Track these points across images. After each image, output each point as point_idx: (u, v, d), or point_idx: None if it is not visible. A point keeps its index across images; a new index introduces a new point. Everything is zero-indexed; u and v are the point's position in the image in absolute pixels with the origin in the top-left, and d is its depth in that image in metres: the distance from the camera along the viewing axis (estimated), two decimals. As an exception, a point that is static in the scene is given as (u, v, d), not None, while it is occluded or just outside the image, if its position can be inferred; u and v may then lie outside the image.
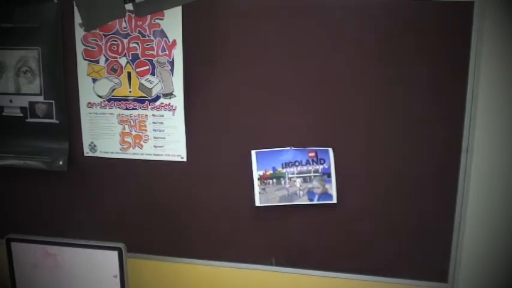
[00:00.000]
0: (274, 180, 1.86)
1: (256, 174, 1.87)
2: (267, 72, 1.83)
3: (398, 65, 1.74)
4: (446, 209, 1.80)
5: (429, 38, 1.70)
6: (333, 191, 1.85)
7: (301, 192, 1.86)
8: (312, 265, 1.94)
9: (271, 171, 1.87)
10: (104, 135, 2.00)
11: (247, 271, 1.98)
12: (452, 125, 1.75)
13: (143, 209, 2.02)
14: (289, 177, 1.86)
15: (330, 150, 1.83)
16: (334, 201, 1.85)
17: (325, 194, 1.86)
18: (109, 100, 1.96)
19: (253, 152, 1.87)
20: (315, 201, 1.86)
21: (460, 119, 1.74)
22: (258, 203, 1.88)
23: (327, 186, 1.85)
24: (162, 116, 1.93)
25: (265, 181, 1.87)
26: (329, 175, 1.84)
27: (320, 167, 1.85)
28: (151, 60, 1.89)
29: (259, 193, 1.88)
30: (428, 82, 1.73)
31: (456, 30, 1.68)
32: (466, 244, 1.77)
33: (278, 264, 1.95)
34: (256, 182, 1.87)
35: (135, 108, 1.94)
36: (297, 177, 1.86)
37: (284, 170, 1.86)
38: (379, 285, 1.90)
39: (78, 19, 1.88)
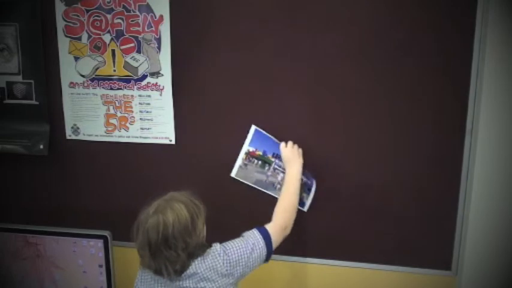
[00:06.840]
0: (260, 162, 1.83)
1: (246, 147, 1.82)
2: (261, 48, 1.79)
3: (399, 43, 1.70)
4: (450, 195, 1.78)
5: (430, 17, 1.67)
6: (308, 202, 1.84)
7: (278, 186, 1.83)
8: (310, 253, 1.93)
9: (260, 153, 1.83)
10: (87, 117, 1.97)
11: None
12: (456, 106, 1.72)
13: (129, 195, 2.00)
14: (274, 167, 1.83)
15: (314, 181, 1.83)
16: (305, 209, 1.84)
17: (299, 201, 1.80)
18: (92, 80, 1.94)
19: (253, 127, 1.82)
20: None
21: (464, 99, 1.70)
22: (233, 174, 1.83)
23: (304, 194, 1.82)
24: (149, 96, 1.91)
25: (251, 158, 1.83)
26: (309, 189, 1.84)
27: (304, 181, 1.81)
28: (137, 37, 1.86)
29: (239, 166, 1.83)
30: (431, 61, 1.70)
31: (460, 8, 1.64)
32: (470, 231, 1.74)
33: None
34: (242, 155, 1.82)
35: (120, 88, 1.92)
36: (282, 172, 1.82)
37: (273, 159, 1.83)
38: (380, 273, 1.89)
39: (58, -8, 1.84)
